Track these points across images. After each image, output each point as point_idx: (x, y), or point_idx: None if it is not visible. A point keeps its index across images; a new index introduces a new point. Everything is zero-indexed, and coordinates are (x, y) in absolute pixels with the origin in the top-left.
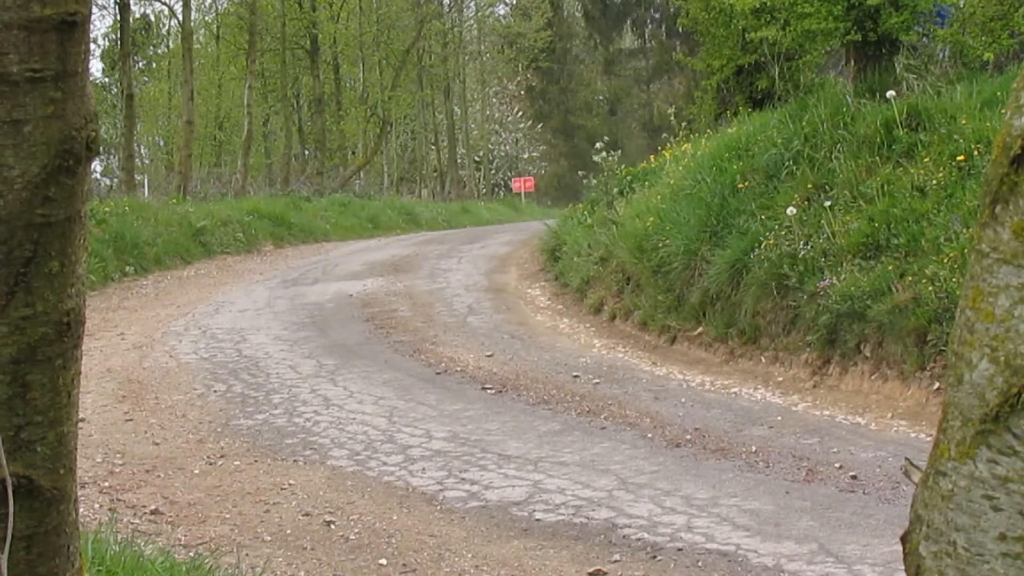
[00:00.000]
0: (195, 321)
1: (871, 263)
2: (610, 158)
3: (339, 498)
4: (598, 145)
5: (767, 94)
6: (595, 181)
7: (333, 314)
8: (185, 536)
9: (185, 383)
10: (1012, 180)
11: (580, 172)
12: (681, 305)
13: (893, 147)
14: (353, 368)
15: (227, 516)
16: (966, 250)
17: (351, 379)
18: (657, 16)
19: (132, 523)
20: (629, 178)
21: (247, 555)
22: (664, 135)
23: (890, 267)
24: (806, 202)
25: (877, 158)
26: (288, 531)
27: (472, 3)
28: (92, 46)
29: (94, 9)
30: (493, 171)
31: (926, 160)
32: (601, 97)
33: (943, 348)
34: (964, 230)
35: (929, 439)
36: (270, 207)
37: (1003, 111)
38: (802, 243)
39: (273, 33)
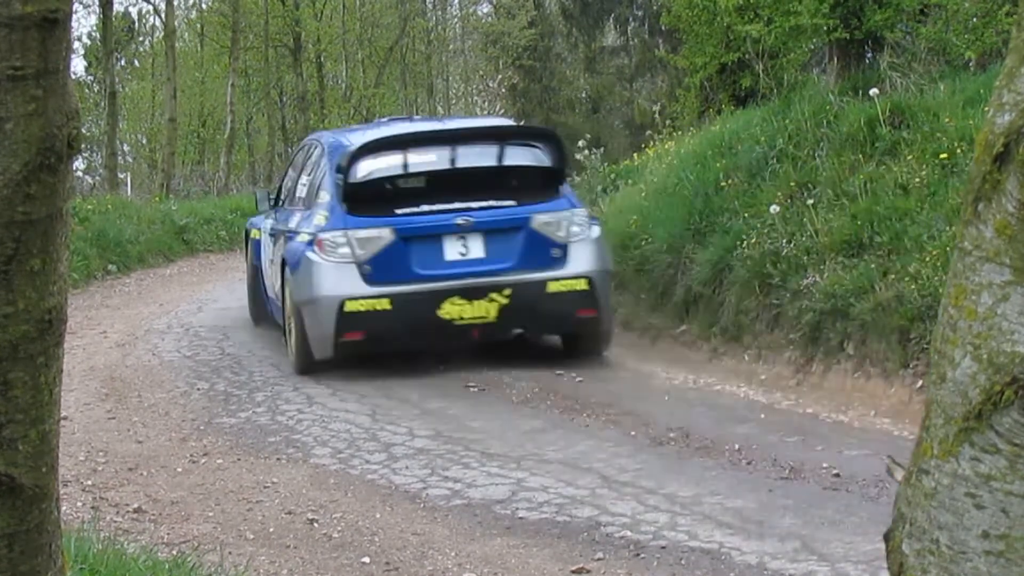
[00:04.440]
0: (178, 319)
1: (854, 261)
2: (593, 156)
3: (322, 496)
4: (581, 143)
5: (751, 92)
6: (578, 179)
7: None
8: (168, 534)
9: (168, 381)
10: (995, 178)
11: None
12: (664, 303)
13: (876, 145)
14: (336, 366)
15: (210, 514)
16: (949, 248)
17: (334, 376)
18: (640, 13)
19: (115, 521)
20: (612, 176)
21: (230, 553)
22: (647, 133)
23: (873, 265)
24: (789, 200)
25: (860, 156)
26: (271, 529)
27: (456, 1)
28: (75, 44)
29: (77, 7)
30: None
31: (909, 158)
32: (583, 95)
33: (926, 346)
34: (947, 228)
35: (912, 437)
36: (253, 205)
37: (986, 109)
38: (785, 241)
39: (256, 31)
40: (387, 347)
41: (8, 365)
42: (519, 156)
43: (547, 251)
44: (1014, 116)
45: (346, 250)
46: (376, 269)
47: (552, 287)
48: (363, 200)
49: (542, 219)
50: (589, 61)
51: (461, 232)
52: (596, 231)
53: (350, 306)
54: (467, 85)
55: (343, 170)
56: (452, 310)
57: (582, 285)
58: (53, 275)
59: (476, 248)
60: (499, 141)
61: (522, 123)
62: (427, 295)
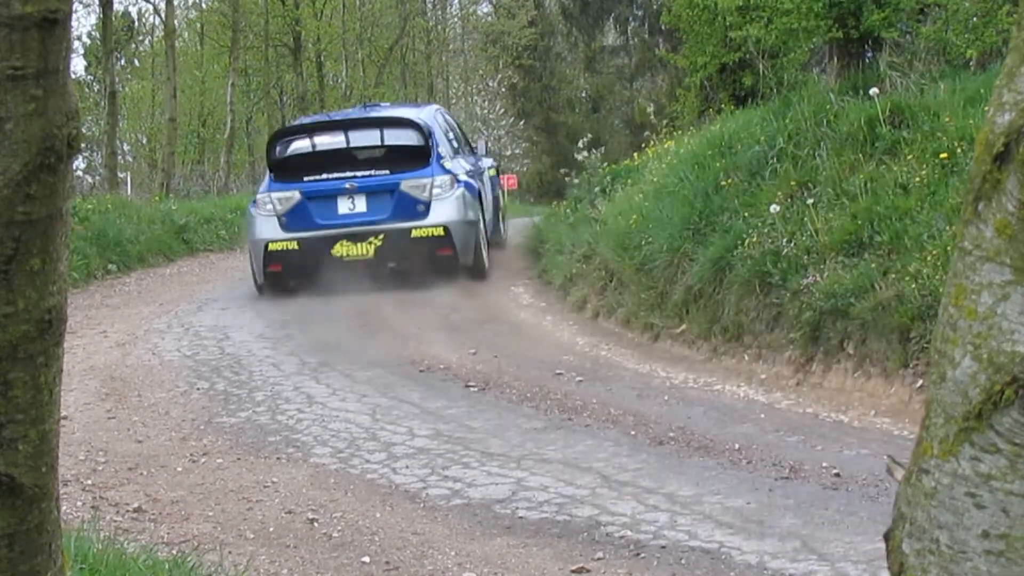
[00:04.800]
0: (178, 319)
1: (854, 260)
2: (593, 156)
3: (322, 496)
4: (581, 143)
5: (751, 91)
6: (578, 179)
7: (316, 312)
8: (168, 534)
9: (168, 381)
10: (995, 177)
11: (563, 170)
12: (664, 303)
13: (876, 144)
14: (336, 365)
15: (210, 514)
16: (949, 247)
17: (334, 376)
18: (640, 13)
19: (115, 521)
20: (612, 176)
21: (230, 553)
22: (647, 132)
23: (873, 264)
24: (789, 200)
25: (860, 156)
26: (271, 529)
27: (456, 1)
28: (75, 44)
29: (77, 7)
30: None
31: (909, 157)
32: (583, 94)
33: (926, 346)
34: (947, 227)
35: (912, 436)
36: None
37: (986, 108)
38: (785, 241)
39: (256, 31)
40: (298, 277)
41: (8, 365)
42: (398, 138)
43: (413, 207)
44: (1014, 115)
45: (270, 207)
46: (289, 220)
47: (415, 233)
48: (284, 170)
49: (409, 183)
50: (589, 60)
51: (349, 193)
52: (458, 192)
53: (272, 246)
54: (467, 85)
55: (268, 148)
56: (341, 249)
57: (439, 232)
58: (53, 275)
59: (360, 205)
60: (383, 127)
61: (400, 116)
62: (324, 239)
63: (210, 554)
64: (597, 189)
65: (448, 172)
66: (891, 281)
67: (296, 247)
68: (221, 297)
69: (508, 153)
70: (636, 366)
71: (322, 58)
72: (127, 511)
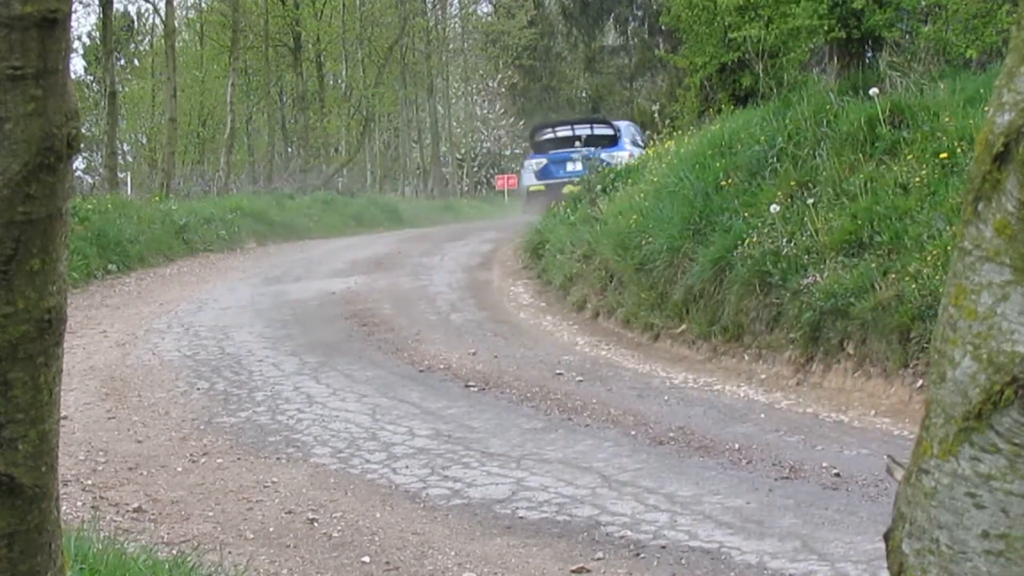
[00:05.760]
0: (178, 319)
1: (854, 260)
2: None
3: (322, 496)
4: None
5: (750, 91)
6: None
7: (316, 312)
8: (168, 534)
9: (168, 381)
10: (995, 177)
11: None
12: (664, 303)
13: (876, 144)
14: (336, 366)
15: (210, 514)
16: (949, 247)
17: (334, 376)
18: (639, 13)
19: (115, 521)
20: (612, 176)
21: (230, 553)
22: (647, 132)
23: (873, 264)
24: (789, 199)
25: (860, 155)
26: (271, 529)
27: (456, 0)
28: (75, 43)
29: (77, 7)
30: (476, 168)
31: (909, 157)
32: (584, 94)
33: (926, 345)
34: (947, 227)
35: (912, 436)
36: (253, 204)
37: (986, 108)
38: (785, 240)
39: (256, 30)
40: (544, 206)
41: (8, 365)
42: (600, 130)
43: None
44: (1014, 115)
45: (531, 167)
46: (540, 174)
47: None
48: (538, 147)
49: (605, 154)
50: (589, 61)
51: (572, 160)
52: (632, 160)
53: (531, 188)
54: (467, 84)
55: (530, 136)
56: (568, 189)
57: None
58: (53, 275)
59: (579, 166)
60: (592, 123)
61: (602, 116)
62: (559, 183)
63: (210, 554)
64: (598, 188)
65: (626, 150)
66: (891, 281)
67: (543, 189)
68: (221, 297)
69: (508, 153)
70: (636, 366)
71: (322, 58)
72: (127, 511)
